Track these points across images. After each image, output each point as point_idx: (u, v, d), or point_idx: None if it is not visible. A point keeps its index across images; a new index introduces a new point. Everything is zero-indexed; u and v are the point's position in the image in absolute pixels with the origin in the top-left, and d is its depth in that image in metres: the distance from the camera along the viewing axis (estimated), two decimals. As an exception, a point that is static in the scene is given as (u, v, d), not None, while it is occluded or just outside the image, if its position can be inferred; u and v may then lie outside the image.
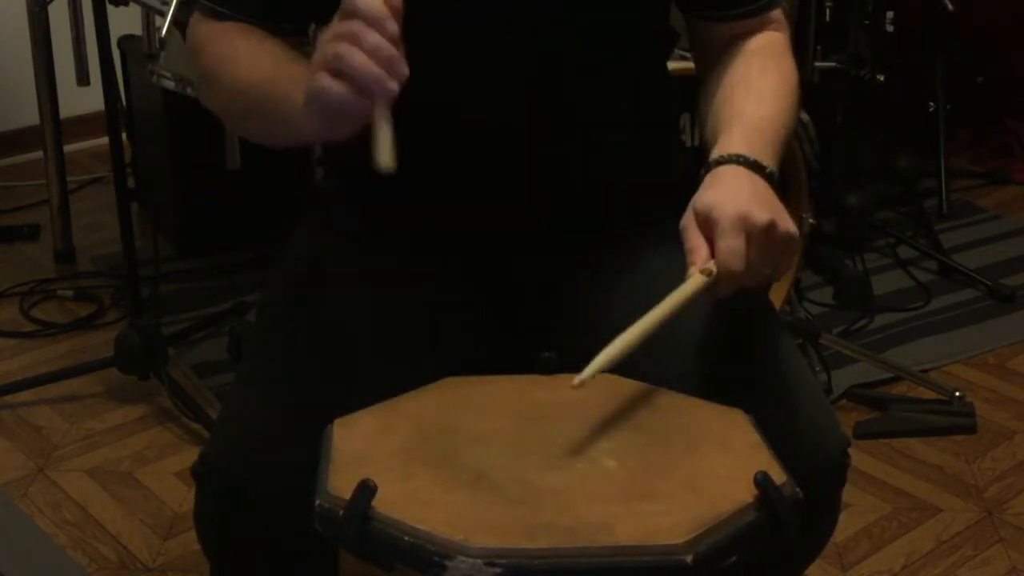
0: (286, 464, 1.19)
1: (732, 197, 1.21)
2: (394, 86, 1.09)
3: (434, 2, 1.32)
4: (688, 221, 1.21)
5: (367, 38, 1.09)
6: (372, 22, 1.09)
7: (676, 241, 1.32)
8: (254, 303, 2.75)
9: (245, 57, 1.29)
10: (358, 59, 1.09)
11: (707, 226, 1.20)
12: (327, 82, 1.10)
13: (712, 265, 1.18)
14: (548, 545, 0.96)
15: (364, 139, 1.12)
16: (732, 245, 1.17)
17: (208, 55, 1.34)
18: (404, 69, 1.10)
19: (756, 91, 1.37)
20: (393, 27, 1.10)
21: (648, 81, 1.46)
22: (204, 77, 1.37)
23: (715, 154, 1.28)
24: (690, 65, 2.15)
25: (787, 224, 1.21)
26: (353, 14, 1.10)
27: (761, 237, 1.18)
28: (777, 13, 1.45)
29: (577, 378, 1.09)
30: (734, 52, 1.42)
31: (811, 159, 2.39)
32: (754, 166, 1.26)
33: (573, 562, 0.96)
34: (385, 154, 1.10)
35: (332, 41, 1.10)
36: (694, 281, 1.18)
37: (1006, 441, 2.43)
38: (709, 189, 1.24)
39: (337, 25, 1.11)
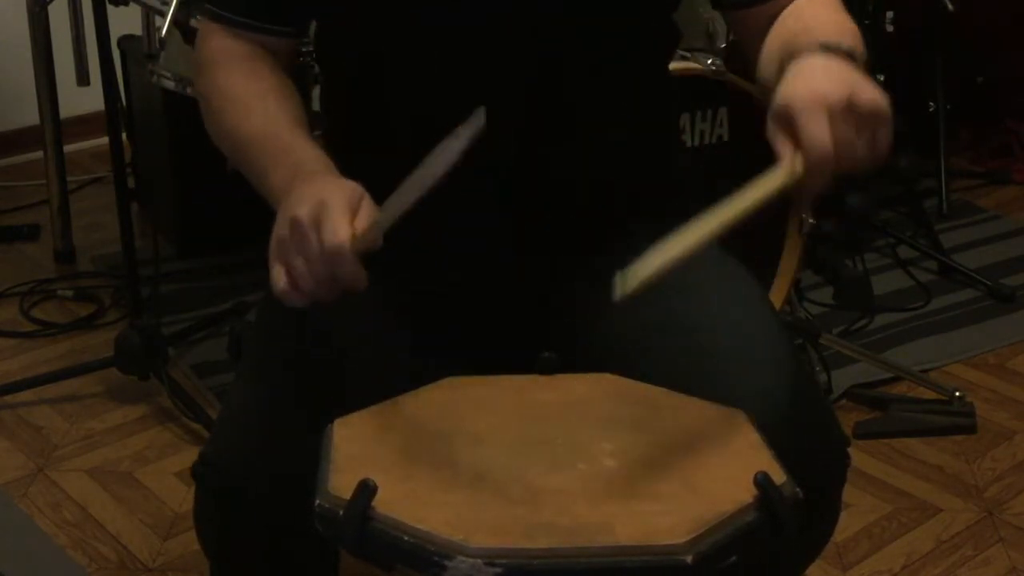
0: (286, 464, 1.19)
1: (804, 82, 1.14)
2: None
3: (434, 2, 1.32)
4: (771, 126, 1.15)
5: (322, 271, 1.12)
6: (330, 257, 1.12)
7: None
8: (254, 303, 2.75)
9: (241, 106, 1.31)
10: (309, 285, 1.13)
11: (785, 119, 1.13)
12: (283, 285, 1.15)
13: (798, 164, 1.10)
14: (548, 545, 0.96)
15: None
16: (814, 129, 1.10)
17: (209, 81, 1.35)
18: (359, 287, 1.14)
19: (812, 17, 1.32)
20: (352, 267, 1.12)
21: (648, 81, 1.46)
22: (201, 98, 1.38)
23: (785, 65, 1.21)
24: (690, 65, 2.16)
25: (871, 91, 1.13)
26: (316, 235, 1.12)
27: (843, 112, 1.11)
28: None
29: (621, 288, 1.00)
30: (781, 16, 1.38)
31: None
32: (829, 49, 1.18)
33: (573, 562, 0.96)
34: None
35: (291, 250, 1.13)
36: (776, 177, 1.10)
37: (1006, 441, 2.43)
38: (786, 82, 1.16)
39: (300, 232, 1.13)
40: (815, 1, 1.38)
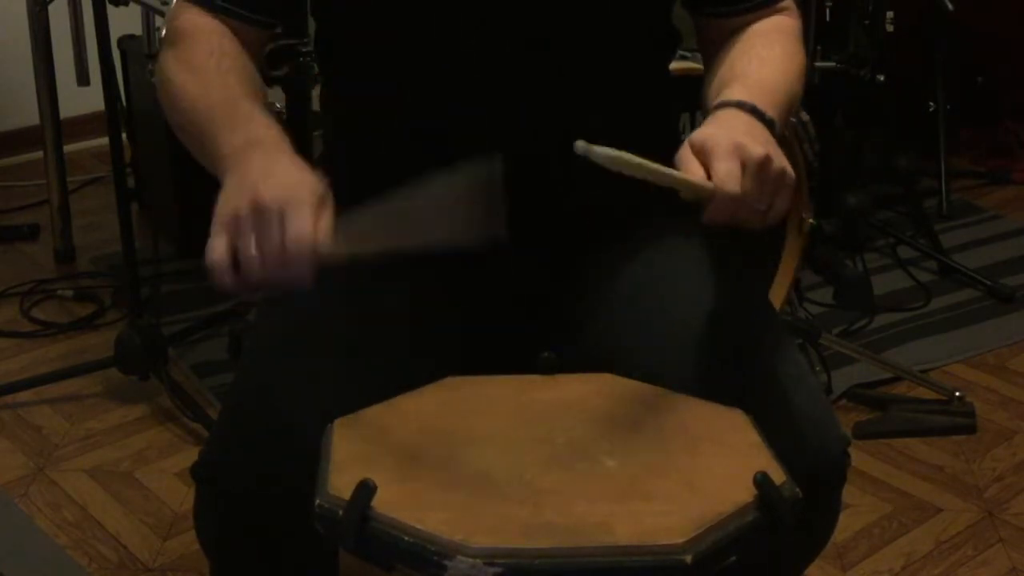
0: (286, 464, 1.19)
1: (728, 131, 1.19)
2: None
3: (432, 6, 1.32)
4: (683, 153, 1.19)
5: (273, 264, 1.07)
6: (290, 256, 1.07)
7: (675, 240, 1.33)
8: (254, 303, 2.75)
9: (201, 76, 1.29)
10: (254, 272, 1.08)
11: (703, 154, 1.17)
12: (221, 261, 1.08)
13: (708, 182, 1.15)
14: (548, 545, 0.96)
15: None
16: (728, 167, 1.15)
17: (172, 52, 1.34)
18: (302, 288, 1.09)
19: (759, 57, 1.35)
20: (306, 270, 1.08)
21: (648, 81, 1.46)
22: (160, 70, 1.35)
23: (714, 104, 1.27)
24: (690, 65, 2.16)
25: (782, 160, 1.19)
26: (279, 227, 1.08)
27: (756, 167, 1.16)
28: (787, 3, 1.44)
29: (581, 145, 1.07)
30: (739, 35, 1.41)
31: (811, 159, 2.39)
32: (753, 111, 1.24)
33: (573, 562, 0.96)
34: None
35: (245, 232, 1.08)
36: (697, 177, 1.15)
37: (1006, 441, 2.43)
38: (704, 127, 1.22)
39: (263, 218, 1.08)
40: (772, 34, 1.40)
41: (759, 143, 1.18)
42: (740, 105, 1.24)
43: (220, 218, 1.10)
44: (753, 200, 1.16)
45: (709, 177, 1.15)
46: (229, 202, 1.10)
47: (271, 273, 1.08)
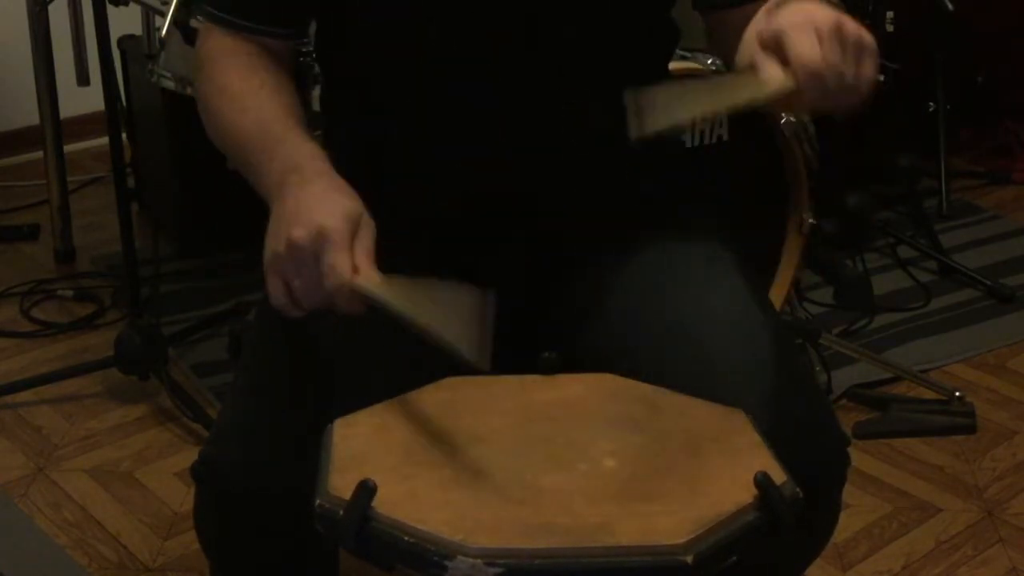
0: (286, 464, 1.19)
1: (791, 11, 1.14)
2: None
3: (433, 7, 1.32)
4: (753, 49, 1.15)
5: (321, 297, 1.12)
6: (330, 292, 1.11)
7: (677, 238, 1.33)
8: (254, 303, 2.75)
9: (237, 102, 1.30)
10: (310, 303, 1.13)
11: (772, 40, 1.13)
12: (283, 300, 1.14)
13: (788, 79, 1.10)
14: (548, 545, 0.96)
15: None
16: (804, 43, 1.11)
17: (207, 79, 1.35)
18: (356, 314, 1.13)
19: None
20: (352, 302, 1.12)
21: (648, 81, 1.46)
22: (199, 98, 1.37)
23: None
24: (690, 65, 2.16)
25: (856, 25, 1.14)
26: (315, 264, 1.11)
27: (832, 32, 1.12)
28: None
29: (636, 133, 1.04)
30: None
31: (811, 159, 2.39)
32: None
33: (573, 562, 0.96)
34: None
35: (290, 270, 1.13)
36: (776, 80, 1.10)
37: (1006, 441, 2.43)
38: (763, 17, 1.17)
39: (298, 258, 1.12)
40: None
41: (828, 12, 1.13)
42: None
43: (267, 262, 1.15)
44: (838, 68, 1.11)
45: (786, 64, 1.11)
46: (270, 244, 1.15)
47: (322, 303, 1.12)
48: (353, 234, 1.13)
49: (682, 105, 1.07)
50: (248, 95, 1.30)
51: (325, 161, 1.23)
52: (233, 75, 1.32)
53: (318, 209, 1.14)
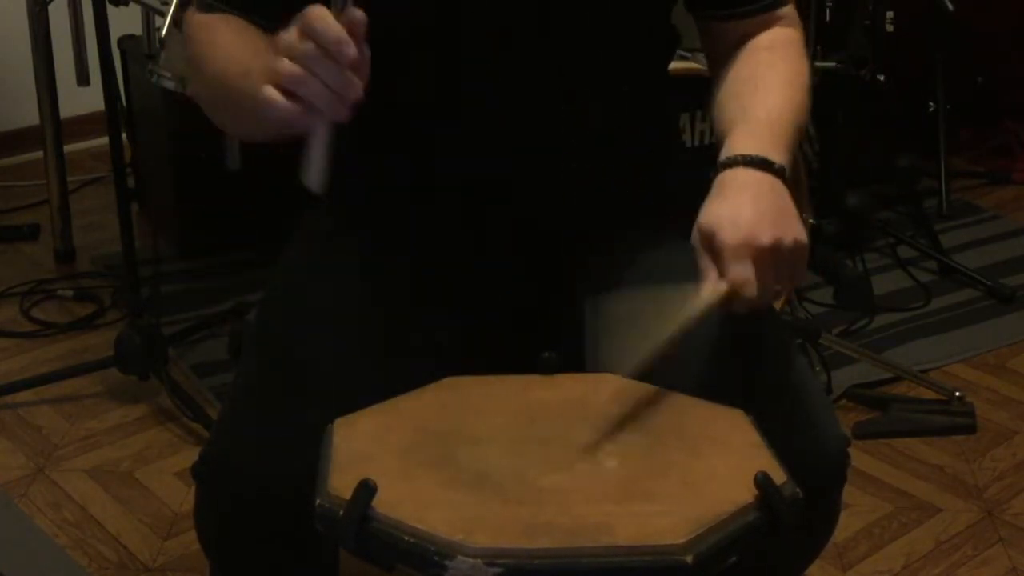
0: (286, 464, 1.19)
1: (735, 215, 1.20)
2: (345, 112, 1.08)
3: (435, 5, 1.32)
4: (696, 242, 1.22)
5: (323, 68, 1.07)
6: (330, 50, 1.07)
7: (675, 241, 1.32)
8: (254, 303, 2.75)
9: (225, 45, 1.28)
10: (312, 88, 1.07)
11: (712, 251, 1.20)
12: (274, 97, 1.08)
13: (723, 286, 1.19)
14: (548, 545, 0.96)
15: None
16: (740, 271, 1.17)
17: (195, 43, 1.34)
18: (358, 93, 1.08)
19: (763, 85, 1.36)
20: (352, 52, 1.07)
21: (648, 81, 1.46)
22: (190, 65, 1.36)
23: (722, 155, 1.28)
24: (690, 65, 2.16)
25: (793, 233, 1.20)
26: (311, 36, 1.07)
27: (768, 258, 1.18)
28: (788, 10, 1.44)
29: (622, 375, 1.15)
30: (742, 50, 1.41)
31: (811, 159, 2.39)
32: (761, 164, 1.25)
33: (573, 562, 0.96)
34: (315, 176, 1.10)
35: (286, 61, 1.08)
36: (711, 294, 1.19)
37: (1006, 441, 2.43)
38: (713, 202, 1.23)
39: (293, 43, 1.08)
40: (777, 49, 1.41)
41: (768, 223, 1.19)
42: (748, 162, 1.25)
43: (265, 74, 1.10)
44: (770, 284, 1.19)
45: (722, 274, 1.18)
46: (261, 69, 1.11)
47: (326, 77, 1.07)
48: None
49: (644, 340, 1.16)
50: (236, 37, 1.29)
51: None
52: (222, 29, 1.30)
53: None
